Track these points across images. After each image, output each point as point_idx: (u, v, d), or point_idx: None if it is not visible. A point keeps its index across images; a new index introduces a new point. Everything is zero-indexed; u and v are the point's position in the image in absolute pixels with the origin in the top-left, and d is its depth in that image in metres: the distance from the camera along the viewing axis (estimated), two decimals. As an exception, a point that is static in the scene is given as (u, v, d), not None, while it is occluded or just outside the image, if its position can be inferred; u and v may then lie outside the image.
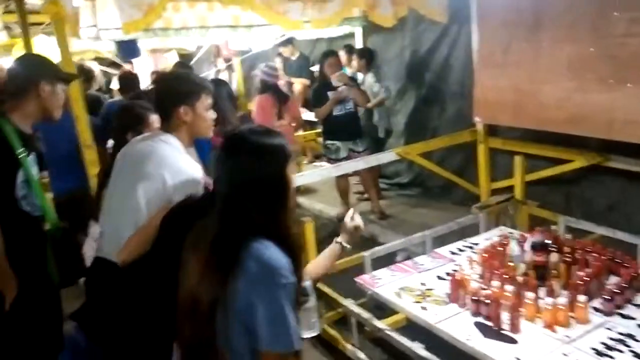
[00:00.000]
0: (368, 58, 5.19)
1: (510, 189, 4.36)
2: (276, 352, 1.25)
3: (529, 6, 3.41)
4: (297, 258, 1.33)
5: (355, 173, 4.85)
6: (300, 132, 6.19)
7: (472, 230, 3.64)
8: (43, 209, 2.14)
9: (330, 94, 4.77)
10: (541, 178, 4.16)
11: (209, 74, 7.41)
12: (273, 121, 4.58)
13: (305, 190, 5.90)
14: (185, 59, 7.54)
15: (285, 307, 1.25)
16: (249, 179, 1.30)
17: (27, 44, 3.34)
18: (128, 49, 4.38)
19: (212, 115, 2.05)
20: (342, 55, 5.66)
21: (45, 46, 4.46)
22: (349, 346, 2.81)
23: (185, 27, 3.92)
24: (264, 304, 1.23)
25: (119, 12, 2.59)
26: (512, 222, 3.87)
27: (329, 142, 4.91)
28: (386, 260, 3.26)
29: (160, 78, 2.49)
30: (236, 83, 7.69)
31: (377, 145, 5.16)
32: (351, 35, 5.78)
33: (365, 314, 2.60)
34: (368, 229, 4.91)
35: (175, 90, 1.99)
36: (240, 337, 1.27)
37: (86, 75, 3.88)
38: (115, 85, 6.13)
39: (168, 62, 8.18)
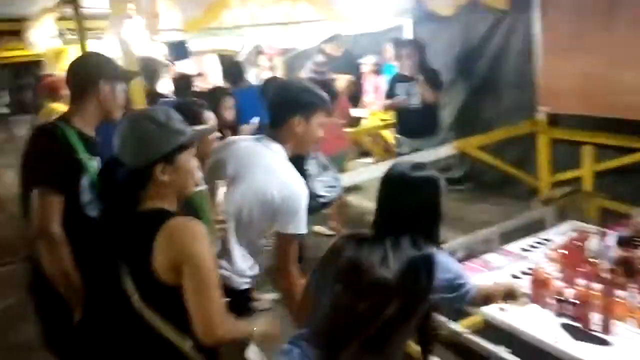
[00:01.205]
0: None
1: (571, 181, 4.17)
2: None
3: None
4: None
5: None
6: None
7: (536, 225, 3.47)
8: None
9: (399, 85, 4.66)
10: (606, 169, 3.95)
11: (251, 74, 7.38)
12: (323, 118, 4.50)
13: (352, 189, 5.79)
14: (227, 60, 7.52)
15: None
16: (416, 206, 1.60)
17: (84, 49, 3.37)
18: (179, 50, 4.38)
19: (321, 133, 1.99)
20: (389, 49, 5.54)
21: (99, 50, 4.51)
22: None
23: (237, 25, 3.87)
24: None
25: (179, 11, 2.55)
26: (580, 216, 3.68)
27: (397, 135, 4.86)
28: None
29: (281, 83, 2.41)
30: (279, 82, 7.63)
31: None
32: (396, 29, 5.64)
33: (440, 317, 2.48)
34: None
35: (296, 98, 1.94)
36: None
37: (151, 71, 3.77)
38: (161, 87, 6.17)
39: (208, 64, 8.20)
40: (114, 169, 1.48)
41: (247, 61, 7.99)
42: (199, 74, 7.52)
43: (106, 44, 4.48)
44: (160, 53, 5.51)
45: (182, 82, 4.13)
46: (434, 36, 5.48)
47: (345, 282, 1.42)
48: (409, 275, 1.42)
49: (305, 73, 4.72)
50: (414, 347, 2.00)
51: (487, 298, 1.91)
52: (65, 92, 3.76)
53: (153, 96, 3.54)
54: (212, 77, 7.55)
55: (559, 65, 3.76)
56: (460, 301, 1.72)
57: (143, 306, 1.45)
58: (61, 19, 4.24)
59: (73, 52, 5.29)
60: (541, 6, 3.84)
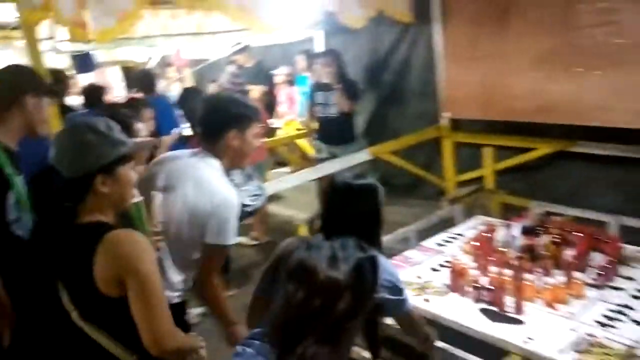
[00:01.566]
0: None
1: (474, 180, 4.53)
2: None
3: (496, 0, 3.55)
4: None
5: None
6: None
7: (446, 222, 3.72)
8: None
9: (318, 94, 4.72)
10: (505, 168, 4.33)
11: (160, 85, 7.17)
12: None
13: (272, 198, 5.82)
14: (133, 71, 7.26)
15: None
16: (360, 211, 1.74)
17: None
18: (84, 62, 4.17)
19: (257, 143, 2.01)
20: (302, 60, 5.66)
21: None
22: (351, 346, 2.78)
23: (146, 35, 3.79)
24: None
25: (92, 20, 2.46)
26: (485, 211, 4.00)
27: (317, 141, 4.93)
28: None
29: (213, 97, 2.36)
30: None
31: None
32: (307, 40, 5.78)
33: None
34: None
35: (231, 113, 1.94)
36: None
37: (60, 84, 3.57)
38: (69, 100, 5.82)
39: (110, 77, 7.86)
40: (48, 181, 1.42)
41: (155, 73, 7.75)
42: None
43: (6, 55, 4.18)
44: (63, 65, 5.23)
45: (93, 94, 3.94)
46: (344, 48, 5.68)
47: (297, 282, 1.47)
48: (357, 274, 1.50)
49: (221, 83, 4.68)
50: (362, 354, 2.10)
51: (417, 321, 2.02)
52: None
53: (63, 110, 3.36)
54: (116, 89, 7.27)
55: (458, 74, 4.08)
56: (400, 306, 1.84)
57: (84, 322, 1.40)
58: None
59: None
60: (442, 19, 4.14)
